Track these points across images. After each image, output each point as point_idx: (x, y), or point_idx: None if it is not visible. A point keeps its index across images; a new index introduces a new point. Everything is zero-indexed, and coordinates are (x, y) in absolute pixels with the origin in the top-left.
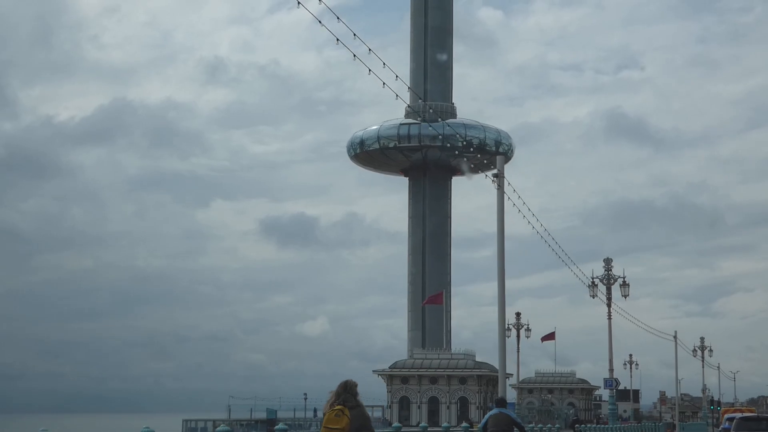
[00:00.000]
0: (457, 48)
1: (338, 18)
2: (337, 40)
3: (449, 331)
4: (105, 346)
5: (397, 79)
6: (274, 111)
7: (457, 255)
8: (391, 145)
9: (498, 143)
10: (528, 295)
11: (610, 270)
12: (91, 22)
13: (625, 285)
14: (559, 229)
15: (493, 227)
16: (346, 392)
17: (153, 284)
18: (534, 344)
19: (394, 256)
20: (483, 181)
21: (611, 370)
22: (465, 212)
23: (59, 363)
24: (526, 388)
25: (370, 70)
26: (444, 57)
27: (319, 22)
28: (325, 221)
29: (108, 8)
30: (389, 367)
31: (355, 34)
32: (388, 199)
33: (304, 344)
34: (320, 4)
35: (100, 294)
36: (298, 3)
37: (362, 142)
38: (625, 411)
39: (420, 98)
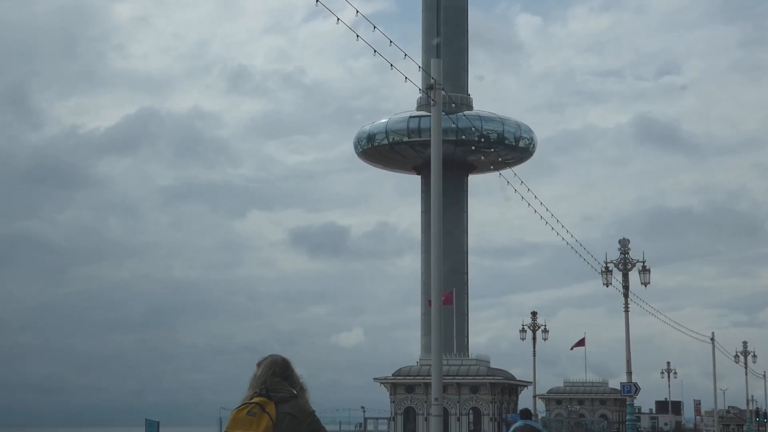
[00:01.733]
0: (493, 54)
1: (374, 27)
2: (357, 36)
3: (466, 336)
4: (141, 359)
5: (420, 70)
6: (309, 120)
7: (494, 263)
8: (401, 139)
9: (518, 138)
10: (568, 305)
11: (627, 253)
12: (117, 32)
13: (645, 270)
14: (598, 238)
15: (534, 236)
16: (273, 374)
17: (189, 295)
18: (563, 352)
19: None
20: (504, 183)
21: (629, 372)
22: (494, 218)
23: (96, 376)
24: (554, 398)
25: (392, 65)
26: (460, 44)
27: (339, 21)
28: (357, 231)
29: (136, 17)
30: (392, 375)
31: (391, 41)
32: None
33: (341, 355)
34: (357, 15)
35: (135, 306)
36: (338, 19)
37: (370, 137)
38: (666, 424)
39: (432, 79)
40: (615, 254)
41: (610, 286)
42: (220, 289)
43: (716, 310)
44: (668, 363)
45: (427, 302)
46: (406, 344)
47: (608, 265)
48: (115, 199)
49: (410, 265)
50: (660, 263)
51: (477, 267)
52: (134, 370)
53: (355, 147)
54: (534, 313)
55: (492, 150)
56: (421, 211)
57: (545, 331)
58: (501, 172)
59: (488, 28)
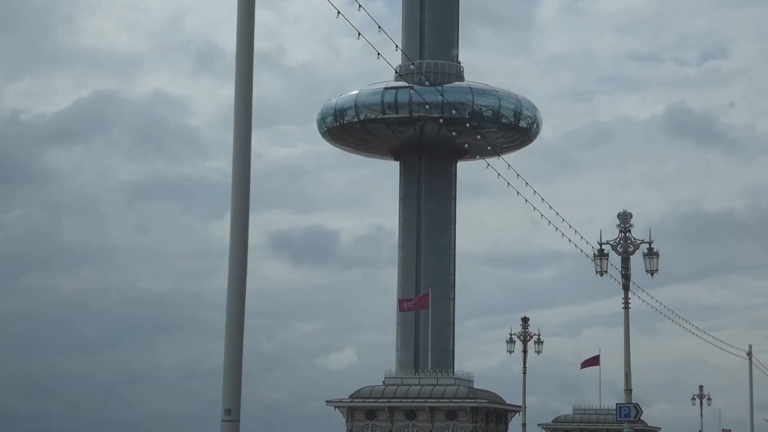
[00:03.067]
0: (508, 34)
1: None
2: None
3: (451, 351)
4: (98, 384)
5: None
6: (299, 108)
7: (510, 274)
8: (375, 116)
9: (517, 114)
10: (595, 323)
11: (628, 232)
12: (66, 3)
13: (651, 255)
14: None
15: (553, 245)
16: None
17: (155, 310)
18: (585, 376)
19: None
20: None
21: (628, 390)
22: (510, 222)
23: (45, 403)
24: (561, 428)
25: (359, 34)
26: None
27: None
28: (348, 236)
29: None
30: (350, 396)
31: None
32: None
33: (331, 379)
34: None
35: (93, 322)
36: None
37: (337, 113)
38: None
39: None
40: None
41: (610, 278)
42: (191, 303)
43: (765, 330)
44: (701, 387)
45: (399, 304)
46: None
47: (603, 246)
48: (69, 197)
49: None
50: (702, 276)
51: (490, 278)
52: (90, 397)
53: (319, 125)
54: (525, 320)
55: (487, 130)
56: (399, 201)
57: (539, 342)
58: (512, 167)
59: (502, 3)
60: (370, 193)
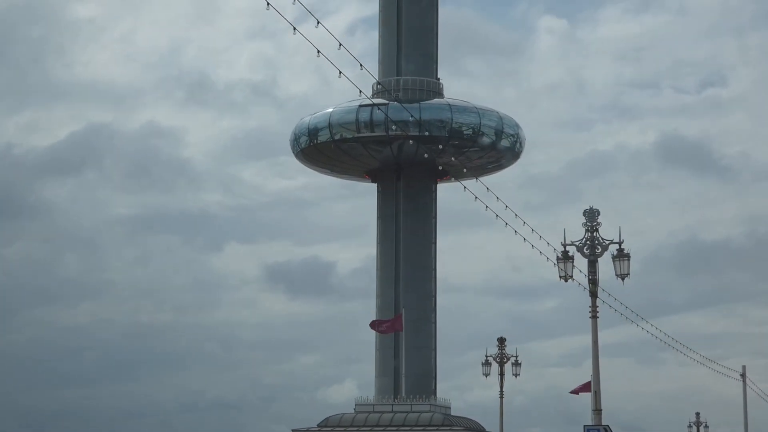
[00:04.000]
0: (513, 63)
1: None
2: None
3: (434, 378)
4: (97, 417)
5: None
6: None
7: (512, 305)
8: (349, 135)
9: (499, 133)
10: (602, 353)
11: (595, 231)
12: (60, 36)
13: (621, 257)
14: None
15: (553, 275)
16: None
17: (155, 343)
18: (578, 402)
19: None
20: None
21: (597, 410)
22: (505, 250)
23: None
24: None
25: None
26: (426, 20)
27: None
28: (344, 267)
29: (84, 19)
30: (318, 425)
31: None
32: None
33: (331, 411)
34: None
35: (94, 355)
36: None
37: (311, 133)
38: None
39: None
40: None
41: (578, 285)
42: (191, 335)
43: (764, 359)
44: (697, 414)
45: (372, 325)
46: None
47: (567, 248)
48: (67, 231)
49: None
50: (702, 305)
51: (490, 309)
52: (90, 431)
53: (293, 146)
54: (501, 340)
55: (467, 149)
56: (377, 222)
57: (516, 364)
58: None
59: (502, 33)
60: (368, 224)
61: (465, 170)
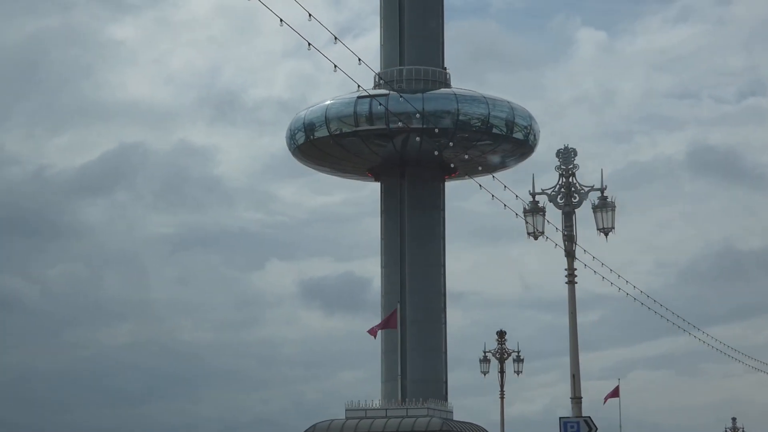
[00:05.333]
0: (550, 75)
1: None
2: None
3: (444, 382)
4: None
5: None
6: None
7: (554, 318)
8: (347, 129)
9: (510, 124)
10: (640, 366)
11: (572, 176)
12: (95, 57)
13: (605, 207)
14: (673, 284)
15: (594, 288)
16: None
17: (197, 361)
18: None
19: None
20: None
21: (576, 399)
22: (547, 264)
23: None
24: None
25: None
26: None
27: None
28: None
29: (120, 40)
30: None
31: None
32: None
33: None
34: None
35: (137, 374)
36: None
37: (307, 128)
38: None
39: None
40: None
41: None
42: (232, 353)
43: None
44: (734, 420)
45: (371, 332)
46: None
47: (538, 198)
48: (109, 250)
49: (458, 321)
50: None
51: (532, 323)
52: None
53: (288, 142)
54: (501, 334)
55: (476, 142)
56: (380, 225)
57: (518, 360)
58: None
59: (539, 46)
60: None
61: (480, 168)
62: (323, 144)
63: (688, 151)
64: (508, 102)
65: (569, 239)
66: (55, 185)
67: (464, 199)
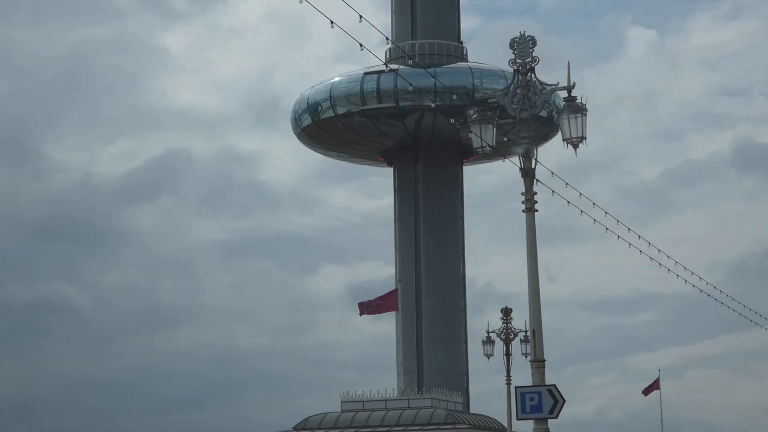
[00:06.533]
0: (602, 74)
1: None
2: None
3: (465, 374)
4: None
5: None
6: None
7: (608, 319)
8: (354, 109)
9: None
10: (698, 365)
11: (529, 73)
12: (144, 64)
13: (574, 112)
14: (728, 282)
15: (650, 287)
16: None
17: (252, 366)
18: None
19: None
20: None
21: (538, 363)
22: (601, 264)
23: None
24: None
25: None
26: None
27: None
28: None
29: (169, 47)
30: (294, 428)
31: None
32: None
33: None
34: None
35: (193, 379)
36: None
37: (311, 108)
38: None
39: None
40: None
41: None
42: (287, 357)
43: None
44: None
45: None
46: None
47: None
48: (162, 256)
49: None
50: None
51: (586, 324)
52: None
53: (293, 126)
54: (506, 311)
55: (499, 121)
56: (394, 213)
57: (526, 340)
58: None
59: (589, 43)
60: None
61: (506, 138)
62: (330, 126)
63: (739, 149)
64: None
65: (526, 155)
66: (102, 192)
67: (512, 199)
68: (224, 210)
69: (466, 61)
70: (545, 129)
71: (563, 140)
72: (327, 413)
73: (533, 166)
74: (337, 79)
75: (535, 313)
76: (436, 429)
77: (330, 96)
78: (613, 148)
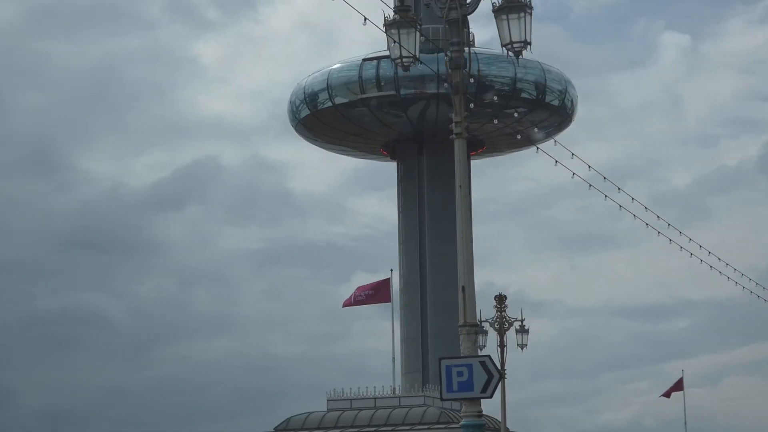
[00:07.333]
0: (634, 79)
1: None
2: None
3: None
4: None
5: None
6: None
7: (641, 326)
8: (352, 98)
9: (541, 87)
10: (735, 372)
11: None
12: (158, 74)
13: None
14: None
15: (686, 293)
16: None
17: (288, 375)
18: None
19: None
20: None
21: (469, 327)
22: (638, 270)
23: None
24: None
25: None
26: None
27: None
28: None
29: (194, 57)
30: (275, 429)
31: None
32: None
33: None
34: None
35: (228, 389)
36: None
37: (308, 98)
38: None
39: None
40: None
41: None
42: (322, 366)
43: None
44: None
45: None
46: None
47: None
48: (195, 265)
49: (545, 331)
50: None
51: (620, 330)
52: None
53: (291, 117)
54: (500, 299)
55: (502, 110)
56: (398, 211)
57: (522, 331)
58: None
59: (622, 49)
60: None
61: (518, 137)
62: (327, 116)
63: None
64: (539, 63)
65: (455, 65)
66: (131, 202)
67: (547, 207)
68: (252, 218)
69: (472, 44)
70: (557, 118)
71: (501, 46)
72: (311, 413)
73: (464, 81)
74: (335, 66)
75: (466, 266)
76: (428, 428)
77: (327, 85)
78: (646, 153)
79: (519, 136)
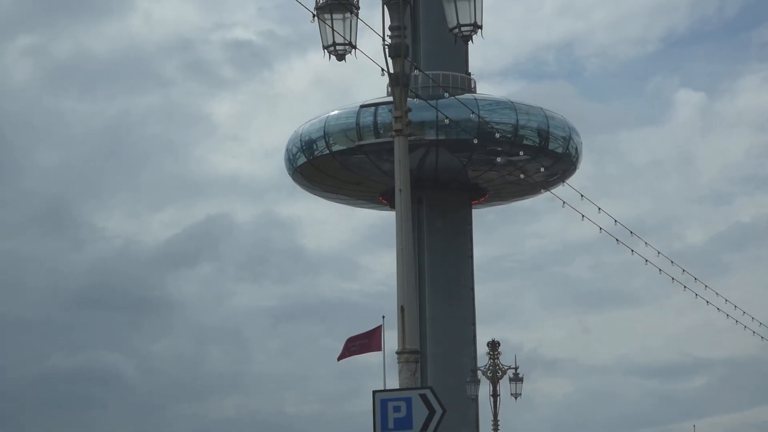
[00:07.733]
0: (648, 137)
1: None
2: None
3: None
4: None
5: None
6: None
7: (658, 385)
8: (350, 145)
9: (544, 134)
10: (752, 430)
11: None
12: (171, 131)
13: None
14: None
15: (703, 353)
16: None
17: None
18: None
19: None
20: None
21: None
22: (656, 327)
23: None
24: None
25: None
26: None
27: None
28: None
29: (208, 115)
30: None
31: None
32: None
33: None
34: None
35: None
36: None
37: (305, 146)
38: None
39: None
40: None
41: None
42: (336, 425)
43: None
44: None
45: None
46: None
47: None
48: (208, 324)
49: (560, 389)
50: None
51: (637, 389)
52: None
53: (287, 165)
54: (494, 345)
55: (504, 158)
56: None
57: (516, 378)
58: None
59: (638, 106)
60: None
61: (522, 175)
62: (324, 164)
63: None
64: (542, 109)
65: (395, 49)
66: (143, 259)
67: (565, 264)
68: (266, 275)
69: (473, 91)
70: (561, 166)
71: (449, 30)
72: None
73: (407, 71)
74: (333, 113)
75: (406, 285)
76: None
77: (324, 132)
78: (661, 211)
79: (522, 175)
